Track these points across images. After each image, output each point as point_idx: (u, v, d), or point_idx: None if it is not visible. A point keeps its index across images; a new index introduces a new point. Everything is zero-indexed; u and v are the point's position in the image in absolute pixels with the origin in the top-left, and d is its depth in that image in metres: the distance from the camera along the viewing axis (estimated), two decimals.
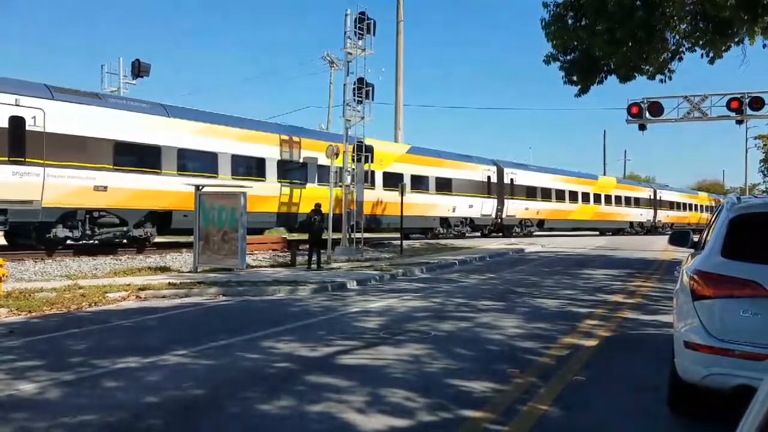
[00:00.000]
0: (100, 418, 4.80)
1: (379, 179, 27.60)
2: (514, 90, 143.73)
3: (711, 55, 16.90)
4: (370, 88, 22.22)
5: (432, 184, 31.50)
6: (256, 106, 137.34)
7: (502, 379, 5.85)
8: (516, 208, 37.73)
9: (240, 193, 15.86)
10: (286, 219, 24.58)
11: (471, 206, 33.83)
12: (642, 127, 23.96)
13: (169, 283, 12.85)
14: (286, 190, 24.07)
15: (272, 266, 17.85)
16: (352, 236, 22.41)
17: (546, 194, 40.72)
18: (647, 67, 17.68)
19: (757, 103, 22.18)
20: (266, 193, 22.88)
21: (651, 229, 55.10)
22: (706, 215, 64.03)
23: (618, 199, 49.81)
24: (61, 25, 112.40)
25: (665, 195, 59.19)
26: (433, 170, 31.69)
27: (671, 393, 4.91)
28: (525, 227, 39.23)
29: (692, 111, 24.08)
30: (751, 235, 4.81)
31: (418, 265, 18.14)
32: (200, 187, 16.33)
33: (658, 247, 28.15)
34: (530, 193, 39.16)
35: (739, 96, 22.41)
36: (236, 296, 11.95)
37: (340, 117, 23.28)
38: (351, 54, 21.88)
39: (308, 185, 24.74)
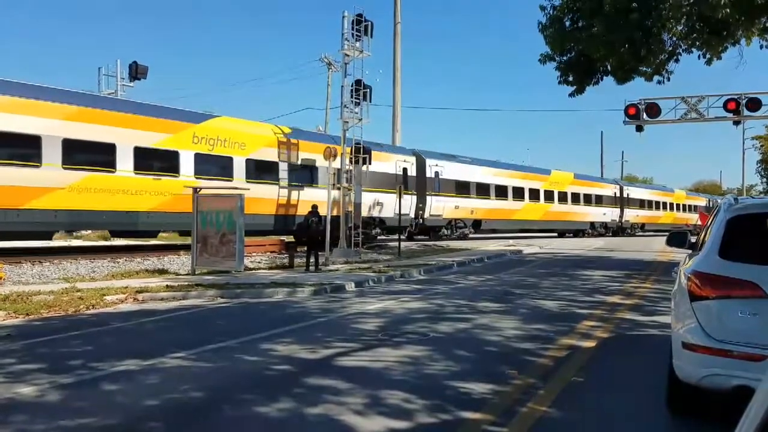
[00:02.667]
0: (99, 421, 4.80)
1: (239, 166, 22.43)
2: (512, 91, 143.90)
3: (708, 56, 16.95)
4: (368, 90, 22.22)
5: (319, 176, 24.52)
6: (254, 108, 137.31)
7: (500, 381, 5.86)
8: (442, 207, 31.84)
9: (237, 195, 15.86)
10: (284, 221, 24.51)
11: (379, 204, 27.30)
12: (639, 128, 24.01)
13: (167, 285, 12.83)
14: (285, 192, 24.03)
15: (270, 268, 17.84)
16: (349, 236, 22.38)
17: (483, 190, 34.89)
18: (644, 69, 17.72)
19: (753, 104, 22.24)
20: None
21: (617, 230, 49.82)
22: (683, 215, 60.83)
23: (575, 196, 43.98)
24: (61, 24, 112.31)
25: (634, 192, 53.63)
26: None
27: (669, 394, 4.92)
28: (456, 228, 33.59)
29: (689, 112, 24.14)
30: (749, 236, 4.83)
31: (416, 266, 18.14)
32: (198, 190, 16.33)
33: (656, 248, 28.21)
34: (462, 188, 33.23)
35: (736, 97, 22.47)
36: (234, 298, 11.94)
37: (337, 119, 23.27)
38: (348, 56, 21.88)
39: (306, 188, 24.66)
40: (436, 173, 31.60)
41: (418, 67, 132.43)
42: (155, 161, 20.00)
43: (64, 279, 14.24)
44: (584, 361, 6.82)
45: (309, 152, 24.92)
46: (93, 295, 11.26)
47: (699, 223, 59.05)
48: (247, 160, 22.57)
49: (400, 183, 26.88)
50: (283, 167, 23.92)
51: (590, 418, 4.99)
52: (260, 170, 23.11)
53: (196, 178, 20.24)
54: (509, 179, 37.61)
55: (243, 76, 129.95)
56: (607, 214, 48.01)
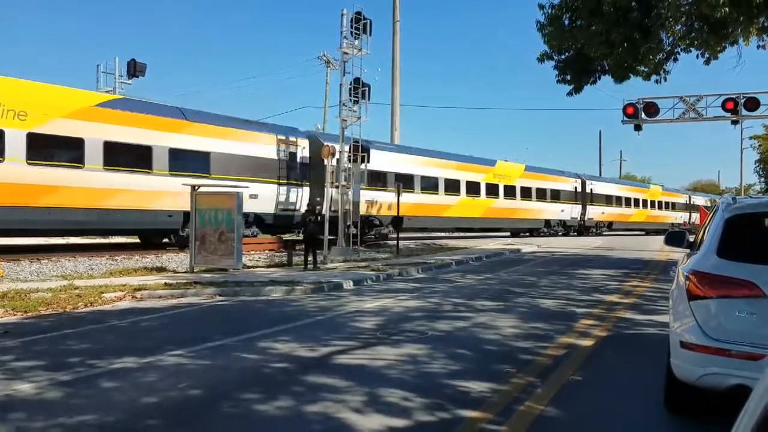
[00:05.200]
0: (97, 418, 4.80)
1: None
2: (510, 89, 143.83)
3: (706, 55, 16.97)
4: (367, 88, 22.21)
5: (163, 161, 20.35)
6: (253, 106, 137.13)
7: (499, 379, 5.87)
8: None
9: (235, 193, 15.85)
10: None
11: (255, 196, 22.03)
12: (638, 128, 24.04)
13: (165, 283, 12.83)
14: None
15: (268, 266, 17.84)
16: (368, 234, 22.27)
17: (406, 182, 28.60)
18: (642, 68, 17.73)
19: (752, 104, 22.29)
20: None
21: (580, 229, 45.07)
22: (658, 213, 56.84)
23: (526, 191, 38.72)
24: (56, 22, 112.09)
25: (599, 187, 47.73)
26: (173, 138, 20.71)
27: (667, 393, 4.93)
28: (373, 227, 28.20)
29: (688, 111, 24.17)
30: (747, 236, 4.85)
31: (414, 265, 18.15)
32: (196, 187, 16.32)
33: (654, 248, 28.25)
34: (376, 179, 27.66)
35: (734, 96, 22.51)
36: (232, 296, 11.94)
37: (336, 117, 23.25)
38: (347, 54, 21.87)
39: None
40: (338, 160, 25.44)
41: (418, 67, 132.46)
42: None
43: (62, 276, 14.23)
44: (582, 360, 6.83)
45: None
46: (91, 292, 11.25)
47: (679, 221, 58.34)
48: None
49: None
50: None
51: (588, 417, 5.00)
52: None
53: None
54: (441, 170, 32.13)
55: (242, 74, 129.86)
56: (566, 211, 42.86)
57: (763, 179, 71.55)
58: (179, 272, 15.53)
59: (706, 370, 4.33)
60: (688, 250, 5.95)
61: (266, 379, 5.97)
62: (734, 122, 24.08)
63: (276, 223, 24.31)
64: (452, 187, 32.70)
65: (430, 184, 31.13)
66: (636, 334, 8.43)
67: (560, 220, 42.67)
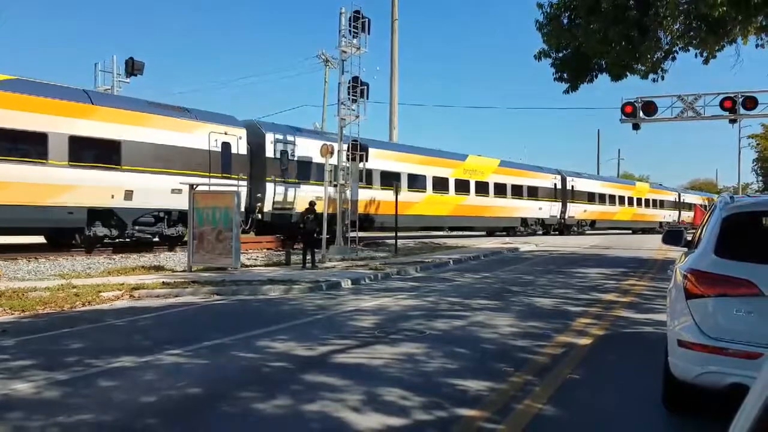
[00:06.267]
0: (95, 417, 4.80)
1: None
2: (508, 88, 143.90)
3: (705, 54, 16.98)
4: (365, 87, 22.20)
5: (62, 150, 17.88)
6: (252, 105, 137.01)
7: (497, 378, 5.87)
8: (293, 196, 24.34)
9: (234, 192, 15.85)
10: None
11: (179, 191, 19.07)
12: (636, 127, 24.05)
13: (163, 282, 12.82)
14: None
15: (267, 265, 17.83)
16: (347, 235, 22.37)
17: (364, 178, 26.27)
18: (640, 67, 17.74)
19: (750, 103, 22.31)
20: None
21: (560, 228, 43.03)
22: (645, 211, 54.32)
23: (500, 187, 36.32)
24: (54, 20, 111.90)
25: (580, 184, 45.10)
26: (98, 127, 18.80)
27: (665, 391, 4.93)
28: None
29: (686, 110, 24.19)
30: (744, 234, 4.85)
31: (412, 264, 18.16)
32: (194, 186, 16.31)
33: (651, 246, 28.29)
34: (319, 174, 24.19)
35: (732, 95, 22.53)
36: (230, 295, 11.93)
37: (335, 116, 23.23)
38: (346, 52, 21.87)
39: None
40: (283, 152, 24.32)
41: (418, 66, 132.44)
42: None
43: (59, 275, 14.21)
44: (580, 359, 6.84)
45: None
46: (89, 291, 11.24)
47: (668, 220, 57.67)
48: None
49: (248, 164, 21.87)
50: None
51: (586, 416, 5.01)
52: None
53: None
54: (402, 164, 29.63)
55: (241, 72, 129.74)
56: (545, 209, 40.57)
57: (760, 178, 71.81)
58: (177, 271, 15.52)
59: (704, 369, 4.33)
60: (685, 249, 5.96)
61: (264, 378, 5.96)
62: (732, 121, 24.10)
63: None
64: (416, 182, 30.29)
65: (390, 180, 27.42)
66: (634, 333, 8.44)
67: (538, 219, 40.59)
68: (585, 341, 7.74)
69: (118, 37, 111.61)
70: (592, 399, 5.43)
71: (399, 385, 5.62)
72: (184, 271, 15.56)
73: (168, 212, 20.48)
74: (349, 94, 21.98)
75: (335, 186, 22.36)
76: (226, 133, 22.21)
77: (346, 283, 13.71)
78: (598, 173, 63.70)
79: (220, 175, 21.34)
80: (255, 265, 17.68)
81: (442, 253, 22.63)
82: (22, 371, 6.11)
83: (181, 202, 18.67)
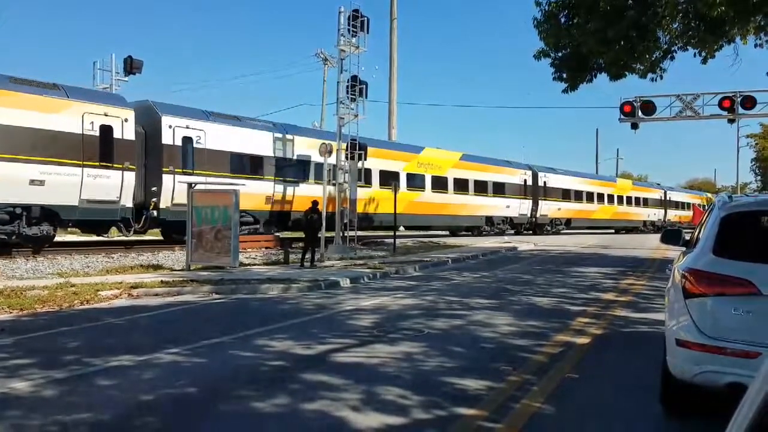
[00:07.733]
0: (94, 416, 4.79)
1: None
2: (506, 87, 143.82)
3: (703, 54, 16.98)
4: (364, 86, 22.19)
5: None
6: (251, 104, 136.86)
7: (495, 377, 5.87)
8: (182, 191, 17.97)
9: (232, 191, 15.84)
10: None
11: (41, 183, 17.16)
12: (634, 126, 24.04)
13: (162, 281, 12.81)
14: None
15: (265, 264, 17.83)
16: (346, 234, 22.37)
17: (295, 171, 24.53)
18: (638, 66, 17.74)
19: (748, 102, 22.29)
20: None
21: (532, 227, 40.12)
22: (628, 209, 51.36)
23: (461, 183, 33.37)
24: (54, 20, 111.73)
25: (554, 180, 41.86)
26: None
27: (663, 391, 4.94)
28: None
29: (684, 110, 24.19)
30: (743, 234, 4.85)
31: (411, 263, 18.16)
32: (193, 185, 16.30)
33: (650, 246, 28.31)
34: (255, 166, 23.12)
35: (731, 95, 22.52)
36: (229, 294, 11.93)
37: (333, 115, 23.21)
38: (344, 51, 21.86)
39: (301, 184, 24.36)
40: (186, 139, 21.06)
41: (418, 66, 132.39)
42: None
43: (58, 274, 14.20)
44: (578, 358, 6.85)
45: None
46: (87, 290, 11.23)
47: (654, 220, 56.65)
48: None
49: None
50: None
51: (584, 415, 5.01)
52: None
53: None
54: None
55: (240, 71, 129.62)
56: (513, 207, 37.56)
57: (759, 177, 71.88)
58: (176, 270, 15.51)
59: (702, 368, 4.34)
60: (684, 248, 5.97)
61: (263, 377, 5.96)
62: (731, 121, 24.11)
63: (83, 219, 18.91)
64: (362, 177, 25.76)
65: (311, 172, 24.90)
66: (632, 332, 8.45)
67: (506, 217, 37.54)
68: (583, 340, 7.74)
69: (118, 37, 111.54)
70: (590, 398, 5.43)
71: (398, 384, 5.62)
72: (182, 269, 15.55)
73: (27, 208, 17.12)
74: (348, 92, 21.98)
75: (334, 185, 22.39)
76: (106, 115, 18.68)
77: (345, 282, 13.71)
78: (597, 173, 63.56)
79: (97, 164, 18.35)
80: (254, 264, 17.68)
81: (440, 252, 22.63)
82: (20, 370, 6.10)
83: (46, 197, 16.78)
